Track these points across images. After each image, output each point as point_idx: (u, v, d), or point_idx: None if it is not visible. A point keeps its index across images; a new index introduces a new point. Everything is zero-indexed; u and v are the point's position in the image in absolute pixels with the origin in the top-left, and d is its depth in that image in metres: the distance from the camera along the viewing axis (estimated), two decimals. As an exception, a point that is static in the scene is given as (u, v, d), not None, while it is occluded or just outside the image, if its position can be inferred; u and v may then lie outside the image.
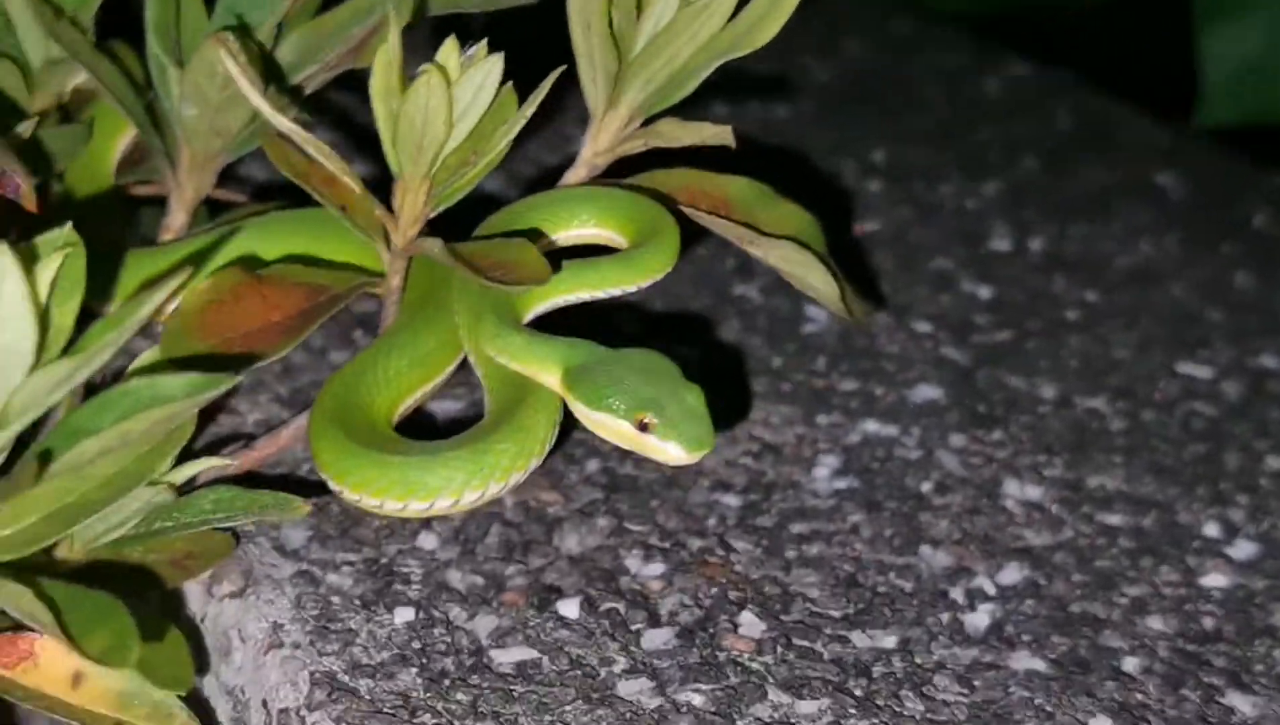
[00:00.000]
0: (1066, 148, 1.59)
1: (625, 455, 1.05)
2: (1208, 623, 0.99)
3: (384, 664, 0.89)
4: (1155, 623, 0.98)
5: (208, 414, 1.05)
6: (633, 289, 1.00)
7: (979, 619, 0.97)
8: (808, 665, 0.92)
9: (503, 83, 0.94)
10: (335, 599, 0.93)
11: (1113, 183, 1.53)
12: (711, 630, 0.94)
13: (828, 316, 1.23)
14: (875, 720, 0.89)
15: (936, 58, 1.77)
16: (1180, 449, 1.15)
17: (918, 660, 0.94)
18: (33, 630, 0.82)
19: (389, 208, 0.96)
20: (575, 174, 1.05)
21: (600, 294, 1.00)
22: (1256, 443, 1.16)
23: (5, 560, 0.82)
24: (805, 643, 0.94)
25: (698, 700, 0.89)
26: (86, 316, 0.81)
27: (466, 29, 0.97)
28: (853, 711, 0.89)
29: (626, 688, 0.89)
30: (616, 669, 0.91)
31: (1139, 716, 0.91)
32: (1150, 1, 2.02)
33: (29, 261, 0.76)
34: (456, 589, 0.94)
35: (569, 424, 0.97)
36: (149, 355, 0.92)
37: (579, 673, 0.90)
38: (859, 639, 0.95)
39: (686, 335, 1.21)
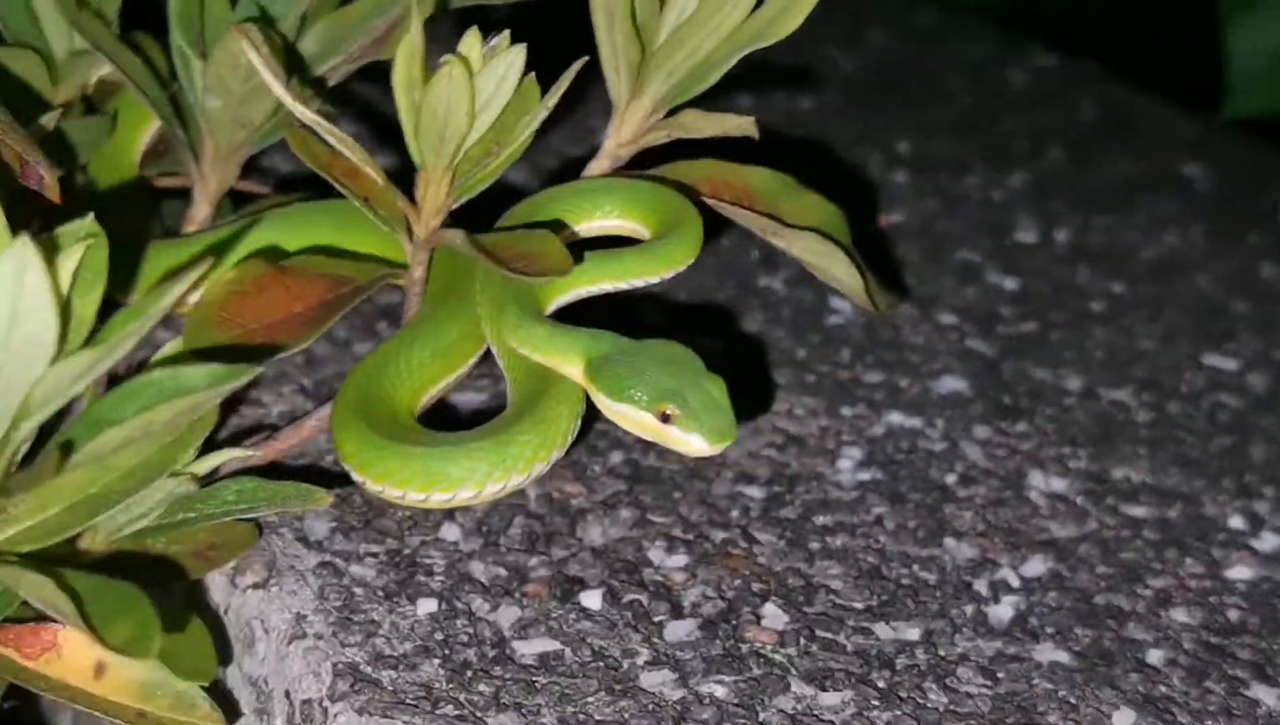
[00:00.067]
0: (1092, 139, 1.59)
1: (648, 447, 1.05)
2: (1232, 615, 0.99)
3: (406, 655, 0.89)
4: (1180, 615, 0.98)
5: (231, 405, 1.05)
6: (655, 280, 1.00)
7: (1003, 611, 0.97)
8: (830, 657, 0.92)
9: (525, 74, 0.94)
10: (358, 590, 0.93)
11: (1138, 174, 1.52)
12: (734, 622, 0.94)
13: (852, 308, 1.23)
14: (898, 712, 0.89)
15: (961, 48, 1.77)
16: (1206, 441, 1.14)
17: (941, 652, 0.93)
18: (56, 621, 0.82)
19: (411, 199, 0.96)
20: (598, 165, 1.05)
21: (623, 285, 1.00)
22: (1283, 434, 1.16)
23: (28, 551, 0.82)
24: (828, 634, 0.94)
25: (720, 692, 0.89)
26: (110, 308, 0.81)
27: (489, 20, 0.97)
28: (875, 703, 0.89)
29: (649, 679, 0.89)
30: (639, 660, 0.90)
31: (1163, 709, 0.91)
32: (1176, -8, 2.01)
33: (51, 253, 0.76)
34: (479, 580, 0.94)
35: (592, 415, 0.97)
36: (172, 346, 0.92)
37: (601, 664, 0.90)
38: (882, 631, 0.94)
39: (709, 327, 1.21)
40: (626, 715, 0.87)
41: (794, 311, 1.23)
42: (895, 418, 1.13)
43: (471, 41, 0.92)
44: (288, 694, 0.89)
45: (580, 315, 0.99)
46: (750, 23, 1.01)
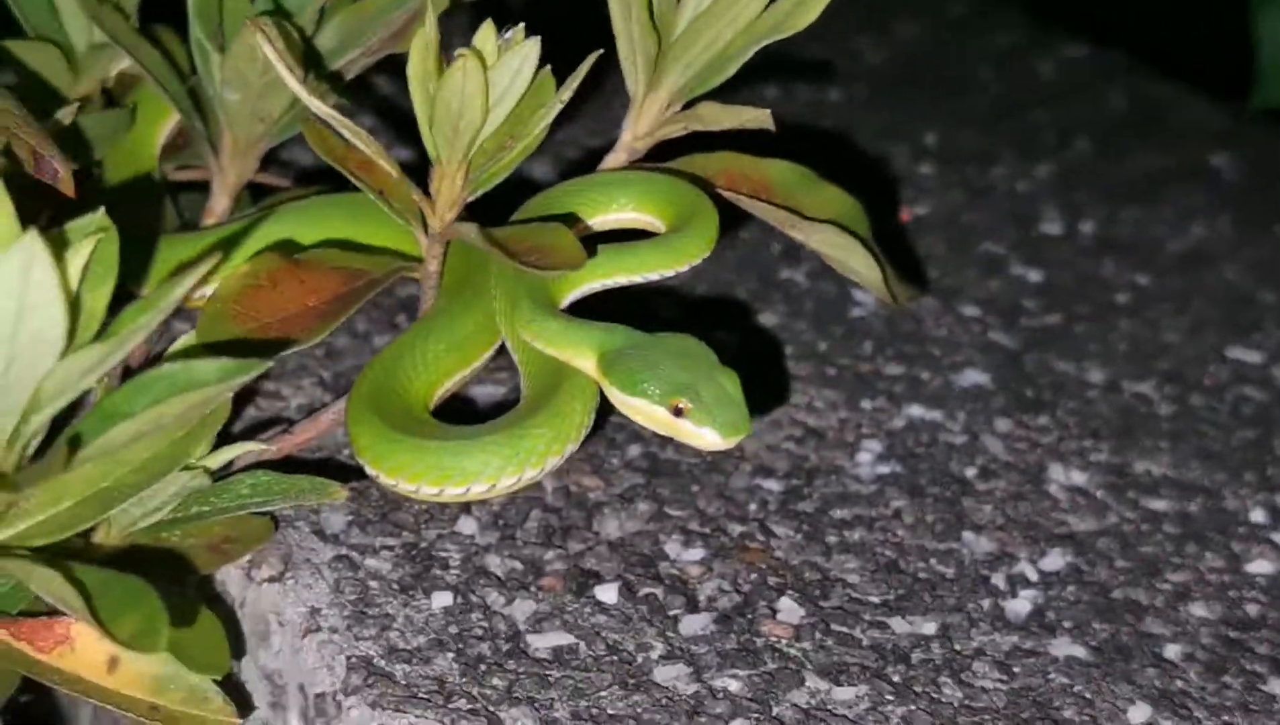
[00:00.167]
0: (1120, 130, 1.58)
1: (666, 441, 1.05)
2: (1251, 609, 0.98)
3: (420, 649, 0.89)
4: (1198, 609, 0.97)
5: (248, 397, 1.05)
6: (670, 274, 1.00)
7: (1020, 605, 0.96)
8: (846, 651, 0.92)
9: (540, 67, 0.93)
10: (373, 584, 0.93)
11: (1166, 165, 1.51)
12: (750, 616, 0.93)
13: (875, 301, 1.23)
14: (913, 707, 0.89)
15: (989, 39, 1.76)
16: (1229, 434, 1.14)
17: (957, 646, 0.93)
18: (68, 615, 0.82)
19: (426, 192, 0.96)
20: (615, 158, 1.05)
21: (637, 279, 1.00)
22: (1307, 428, 1.15)
23: (40, 545, 0.82)
24: (844, 629, 0.93)
25: (734, 686, 0.89)
26: (125, 301, 0.81)
27: (505, 12, 0.97)
28: (890, 698, 0.89)
29: (663, 673, 0.89)
30: (654, 654, 0.90)
31: (1179, 704, 0.91)
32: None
33: (60, 247, 0.76)
34: (495, 574, 0.94)
35: (610, 409, 0.96)
36: (186, 340, 0.92)
37: (616, 658, 0.90)
38: (898, 625, 0.94)
39: (726, 320, 1.20)
40: (639, 710, 0.87)
41: (816, 304, 1.23)
42: (916, 411, 1.12)
43: (486, 34, 0.92)
44: (302, 688, 0.89)
45: (596, 309, 0.99)
46: (768, 14, 1.00)
